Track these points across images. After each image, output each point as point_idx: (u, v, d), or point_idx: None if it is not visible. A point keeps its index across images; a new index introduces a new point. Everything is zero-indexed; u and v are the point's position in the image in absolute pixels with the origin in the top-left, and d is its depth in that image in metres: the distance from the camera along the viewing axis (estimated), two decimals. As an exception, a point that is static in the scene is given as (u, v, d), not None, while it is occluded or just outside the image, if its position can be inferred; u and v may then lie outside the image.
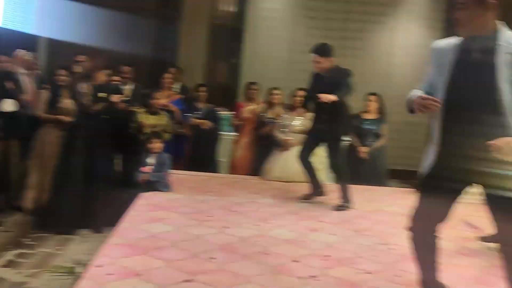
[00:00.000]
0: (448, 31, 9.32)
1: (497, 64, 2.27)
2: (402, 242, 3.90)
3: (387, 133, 6.52)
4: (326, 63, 4.87)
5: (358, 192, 5.75)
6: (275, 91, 6.45)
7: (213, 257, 3.34)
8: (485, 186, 2.38)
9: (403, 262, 3.48)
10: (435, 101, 2.34)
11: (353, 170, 6.32)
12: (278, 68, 9.02)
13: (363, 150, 6.24)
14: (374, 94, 6.73)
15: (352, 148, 6.43)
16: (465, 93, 2.36)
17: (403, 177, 7.39)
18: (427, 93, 2.47)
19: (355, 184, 6.12)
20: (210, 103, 6.98)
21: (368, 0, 9.51)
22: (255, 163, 6.54)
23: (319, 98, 4.66)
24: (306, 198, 5.16)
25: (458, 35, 2.40)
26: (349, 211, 4.89)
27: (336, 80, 4.79)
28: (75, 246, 4.54)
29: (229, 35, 9.28)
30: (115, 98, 5.57)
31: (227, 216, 4.39)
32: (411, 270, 3.34)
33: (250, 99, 6.77)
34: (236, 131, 6.92)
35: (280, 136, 6.14)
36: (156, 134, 5.32)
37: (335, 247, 3.78)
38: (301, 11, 9.43)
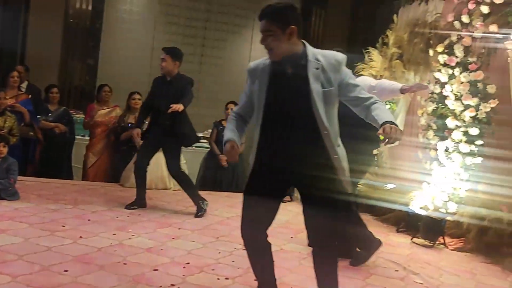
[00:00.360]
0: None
1: (308, 77, 2.53)
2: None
3: (246, 141, 6.71)
4: (171, 65, 4.88)
5: (218, 199, 5.88)
6: (135, 96, 6.27)
7: (66, 270, 3.14)
8: (302, 188, 2.70)
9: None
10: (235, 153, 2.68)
11: (213, 178, 6.46)
12: (137, 72, 8.81)
13: (223, 158, 6.34)
14: (233, 102, 6.89)
15: (211, 156, 6.53)
16: (282, 105, 2.59)
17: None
18: (247, 111, 2.76)
19: (216, 191, 6.28)
20: (64, 105, 6.58)
21: (227, 11, 9.76)
22: (113, 170, 6.31)
23: (169, 107, 4.68)
24: (130, 207, 4.95)
25: (271, 59, 2.62)
26: (208, 218, 4.95)
27: (179, 87, 4.89)
28: None
29: (85, 34, 8.84)
30: None
31: (82, 225, 4.17)
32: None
33: (103, 102, 6.51)
34: (89, 135, 6.60)
35: (140, 141, 6.00)
36: (1, 137, 4.86)
37: (195, 254, 3.79)
38: (162, 16, 9.36)
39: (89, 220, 4.35)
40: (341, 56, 2.60)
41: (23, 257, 3.27)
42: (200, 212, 4.94)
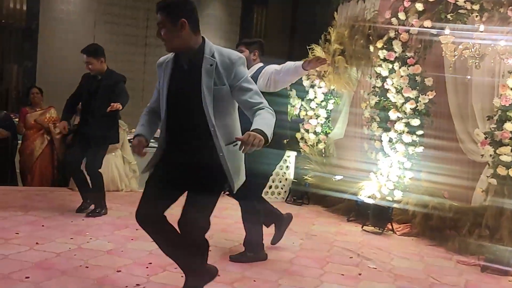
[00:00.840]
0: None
1: (201, 73, 2.60)
2: (220, 243, 4.19)
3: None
4: (97, 64, 4.80)
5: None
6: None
7: (27, 277, 3.10)
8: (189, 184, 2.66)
9: (222, 263, 3.72)
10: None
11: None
12: (77, 73, 8.53)
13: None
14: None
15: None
16: (180, 100, 2.66)
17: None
18: (158, 104, 2.78)
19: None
20: (2, 109, 6.36)
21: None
22: (60, 173, 6.19)
23: (98, 105, 4.71)
24: (80, 210, 4.92)
25: (166, 50, 2.69)
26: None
27: (109, 84, 4.82)
28: None
29: (21, 36, 8.56)
30: None
31: (37, 232, 4.09)
32: (230, 269, 3.61)
33: (34, 104, 6.34)
34: (22, 138, 6.39)
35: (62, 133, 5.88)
36: None
37: (155, 254, 3.77)
38: (101, 16, 9.21)
39: (43, 226, 4.28)
40: (236, 56, 2.64)
41: (-21, 267, 3.20)
42: (93, 213, 4.80)
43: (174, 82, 2.67)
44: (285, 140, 4.17)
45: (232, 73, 2.61)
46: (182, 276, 3.33)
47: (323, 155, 6.83)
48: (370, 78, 5.92)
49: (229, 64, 2.61)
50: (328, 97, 6.74)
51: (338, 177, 6.28)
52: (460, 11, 4.87)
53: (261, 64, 4.02)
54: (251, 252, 3.86)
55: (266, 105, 2.62)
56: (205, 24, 9.98)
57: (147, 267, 3.48)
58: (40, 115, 6.25)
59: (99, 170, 4.91)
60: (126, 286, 3.11)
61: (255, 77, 3.75)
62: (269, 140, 2.46)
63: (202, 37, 2.65)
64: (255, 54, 4.06)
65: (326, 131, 6.83)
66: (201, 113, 2.58)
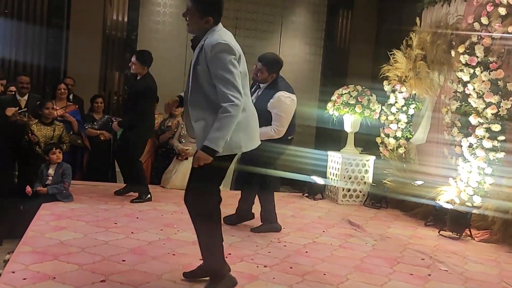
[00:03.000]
0: (326, 47, 10.34)
1: (199, 60, 2.94)
2: (294, 240, 4.47)
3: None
4: (139, 68, 5.49)
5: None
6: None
7: (123, 260, 3.57)
8: None
9: (295, 257, 3.99)
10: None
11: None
12: (172, 81, 9.24)
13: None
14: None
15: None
16: (189, 84, 3.04)
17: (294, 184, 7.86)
18: None
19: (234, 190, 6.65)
20: (105, 114, 7.08)
21: (255, 18, 10.15)
22: (154, 172, 6.76)
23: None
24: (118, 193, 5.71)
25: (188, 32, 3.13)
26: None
27: (141, 85, 5.54)
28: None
29: (122, 46, 9.36)
30: (9, 111, 5.53)
31: (132, 223, 4.60)
32: (302, 263, 3.87)
33: None
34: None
35: (178, 145, 6.45)
36: (56, 145, 5.35)
37: (234, 246, 4.16)
38: (194, 25, 9.79)
39: (137, 218, 4.79)
40: (213, 43, 2.88)
41: (85, 249, 3.71)
42: (137, 199, 5.44)
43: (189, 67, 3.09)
44: (289, 137, 4.71)
45: (207, 58, 2.88)
46: (257, 266, 3.68)
47: (403, 160, 6.87)
48: (452, 83, 5.92)
49: (206, 49, 2.89)
50: (409, 102, 6.78)
51: (419, 182, 6.31)
52: (544, 15, 4.79)
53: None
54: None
55: (223, 108, 2.86)
56: (291, 31, 10.31)
57: (226, 257, 3.80)
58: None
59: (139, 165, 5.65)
60: (207, 272, 3.47)
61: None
62: (218, 149, 2.86)
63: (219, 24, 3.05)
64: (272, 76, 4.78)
65: (406, 136, 6.88)
66: (202, 98, 2.98)
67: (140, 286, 3.14)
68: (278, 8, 10.25)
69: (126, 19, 9.34)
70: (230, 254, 3.90)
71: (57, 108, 6.29)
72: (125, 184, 5.79)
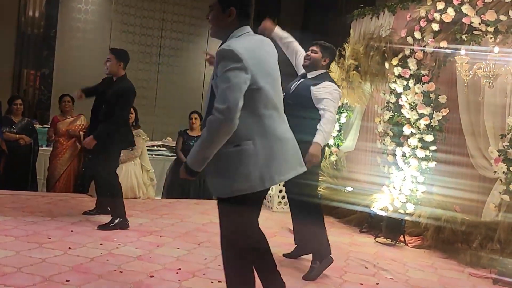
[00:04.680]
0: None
1: (214, 72, 2.46)
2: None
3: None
4: (114, 64, 4.80)
5: (189, 206, 6.09)
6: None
7: (67, 280, 3.27)
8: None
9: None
10: None
11: (181, 185, 6.65)
12: (93, 81, 8.71)
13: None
14: (196, 112, 7.08)
15: (178, 164, 6.69)
16: (206, 100, 2.58)
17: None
18: None
19: (184, 199, 6.48)
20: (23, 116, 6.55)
21: (182, 20, 9.95)
22: (80, 180, 6.36)
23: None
24: (86, 213, 5.13)
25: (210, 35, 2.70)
26: (185, 225, 5.14)
27: (119, 89, 4.78)
28: None
29: (39, 43, 8.76)
30: None
31: (67, 237, 4.25)
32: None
33: (65, 112, 6.56)
34: (53, 145, 6.59)
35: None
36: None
37: (183, 260, 3.98)
38: (117, 25, 9.42)
39: (72, 231, 4.44)
40: (218, 50, 2.42)
41: (21, 269, 3.36)
42: (109, 226, 4.66)
43: None
44: None
45: (217, 68, 2.42)
46: (212, 282, 3.54)
47: (335, 168, 7.00)
48: (384, 93, 6.11)
49: (216, 58, 2.42)
50: (341, 111, 6.92)
51: (349, 189, 6.45)
52: (475, 32, 5.06)
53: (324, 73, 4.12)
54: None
55: (209, 118, 2.36)
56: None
57: (177, 272, 3.65)
58: (70, 123, 6.45)
59: (116, 178, 4.87)
60: (161, 291, 3.28)
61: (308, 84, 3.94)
62: (191, 166, 2.39)
63: (245, 27, 2.55)
64: (325, 61, 4.16)
65: (338, 144, 7.02)
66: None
67: (93, 310, 2.89)
68: (204, 11, 10.05)
69: (43, 15, 8.76)
70: (180, 269, 3.73)
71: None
72: (96, 203, 5.21)
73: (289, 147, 2.58)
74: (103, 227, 4.64)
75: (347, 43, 6.71)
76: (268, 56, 2.58)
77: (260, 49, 2.52)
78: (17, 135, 6.19)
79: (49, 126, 6.80)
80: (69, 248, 3.94)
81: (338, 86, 6.50)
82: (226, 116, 2.29)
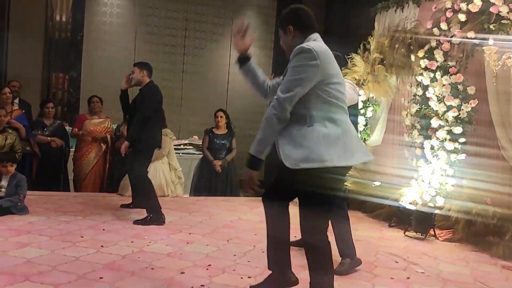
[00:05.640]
0: (277, 50, 10.31)
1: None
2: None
3: (236, 147, 6.96)
4: (138, 74, 5.09)
5: (217, 204, 6.13)
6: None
7: (101, 277, 3.33)
8: None
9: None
10: None
11: (208, 183, 6.69)
12: (120, 82, 8.86)
13: (217, 164, 6.58)
14: (221, 110, 7.10)
15: (205, 162, 6.75)
16: None
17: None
18: None
19: (211, 196, 6.52)
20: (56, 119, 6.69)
21: (205, 20, 9.99)
22: (110, 180, 6.47)
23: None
24: (123, 206, 5.50)
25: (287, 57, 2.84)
26: (213, 222, 5.18)
27: (144, 95, 5.05)
28: None
29: (67, 48, 8.91)
30: None
31: (99, 235, 4.33)
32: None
33: (93, 112, 6.66)
34: (76, 146, 6.68)
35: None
36: (8, 158, 4.93)
37: (212, 256, 4.02)
38: (142, 27, 9.51)
39: (103, 229, 4.52)
40: (298, 47, 2.65)
41: (56, 267, 3.43)
42: (142, 221, 4.87)
43: None
44: None
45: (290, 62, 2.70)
46: (241, 278, 3.56)
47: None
48: (411, 86, 6.04)
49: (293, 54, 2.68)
50: (367, 105, 6.87)
51: (377, 183, 6.40)
52: (503, 21, 4.97)
53: None
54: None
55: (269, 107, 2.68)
56: (241, 33, 10.19)
57: (207, 269, 3.68)
58: (98, 124, 6.56)
59: (147, 176, 5.08)
60: (192, 287, 3.30)
61: None
62: (252, 152, 2.67)
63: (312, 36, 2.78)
64: None
65: (364, 138, 6.96)
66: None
67: (127, 306, 2.94)
68: (227, 10, 10.15)
69: (70, 20, 8.91)
70: (210, 265, 3.76)
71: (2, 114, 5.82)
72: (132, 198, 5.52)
73: (352, 140, 2.72)
74: (138, 222, 4.83)
75: (371, 36, 6.66)
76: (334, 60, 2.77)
77: (330, 52, 2.72)
78: (49, 138, 6.31)
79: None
80: (102, 246, 4.01)
81: (364, 80, 6.58)
82: (281, 105, 2.61)
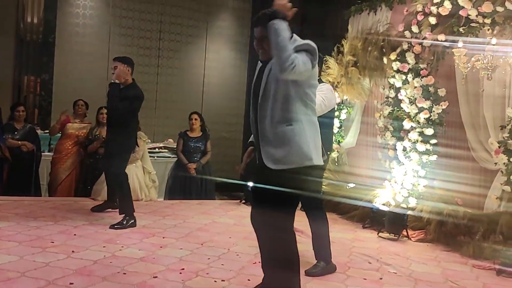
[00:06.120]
0: (252, 52, 10.32)
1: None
2: (244, 250, 4.36)
3: (211, 150, 6.93)
4: (122, 69, 4.91)
5: (191, 207, 6.10)
6: (103, 110, 6.33)
7: (71, 283, 3.27)
8: None
9: (250, 268, 3.89)
10: None
11: (183, 186, 6.65)
12: (93, 85, 8.78)
13: (191, 167, 6.55)
14: (196, 112, 7.08)
15: (179, 166, 6.71)
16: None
17: (227, 189, 7.86)
18: None
19: (186, 199, 6.49)
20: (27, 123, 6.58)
21: (180, 22, 9.94)
22: (82, 184, 6.38)
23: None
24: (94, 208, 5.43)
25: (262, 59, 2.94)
26: (187, 225, 5.16)
27: (127, 96, 4.89)
28: None
29: (38, 50, 8.77)
30: None
31: (70, 240, 4.26)
32: (259, 274, 3.77)
33: (77, 115, 6.59)
34: (55, 149, 6.59)
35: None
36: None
37: (186, 260, 3.98)
38: (116, 28, 9.41)
39: (75, 234, 4.45)
40: (309, 41, 2.78)
41: (25, 273, 3.36)
42: (118, 224, 4.85)
43: None
44: None
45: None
46: (215, 281, 3.55)
47: (336, 164, 7.01)
48: (384, 88, 6.11)
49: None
50: (341, 107, 6.93)
51: (351, 185, 6.45)
52: (472, 24, 5.06)
53: None
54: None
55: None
56: (216, 35, 10.22)
57: (180, 273, 3.65)
58: (78, 129, 6.47)
59: (125, 174, 5.07)
60: (165, 291, 3.29)
61: None
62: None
63: None
64: None
65: (338, 140, 7.02)
66: None
67: (97, 311, 2.90)
68: (202, 13, 10.12)
69: (42, 21, 8.77)
70: (183, 269, 3.74)
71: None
72: (105, 200, 5.51)
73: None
74: (115, 226, 4.80)
75: (345, 39, 6.73)
76: None
77: None
78: (19, 142, 6.20)
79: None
80: (73, 251, 3.94)
81: (337, 82, 6.63)
82: (295, 65, 2.59)
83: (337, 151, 7.00)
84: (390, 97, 5.93)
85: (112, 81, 4.94)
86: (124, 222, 4.87)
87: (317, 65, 2.85)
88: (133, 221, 4.91)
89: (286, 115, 2.77)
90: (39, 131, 7.23)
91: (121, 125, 4.94)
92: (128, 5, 9.47)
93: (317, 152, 2.84)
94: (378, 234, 5.45)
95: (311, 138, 2.81)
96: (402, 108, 5.73)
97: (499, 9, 4.70)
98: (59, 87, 8.79)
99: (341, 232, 5.46)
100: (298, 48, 2.69)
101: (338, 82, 6.66)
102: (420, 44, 5.57)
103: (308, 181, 2.79)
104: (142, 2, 9.59)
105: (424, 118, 5.49)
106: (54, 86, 8.85)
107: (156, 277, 3.53)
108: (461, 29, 5.16)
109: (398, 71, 5.74)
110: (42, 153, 6.76)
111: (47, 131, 7.11)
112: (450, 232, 5.11)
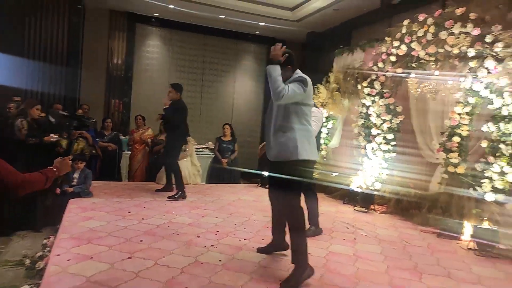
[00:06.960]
0: (267, 85, 10.23)
1: None
2: (260, 219, 4.35)
3: (238, 149, 6.94)
4: (174, 94, 5.07)
5: (224, 189, 6.09)
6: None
7: (141, 240, 3.32)
8: None
9: (263, 231, 3.88)
10: None
11: (218, 175, 6.65)
12: (158, 105, 8.80)
13: (224, 161, 6.56)
14: (227, 124, 7.08)
15: (216, 160, 6.73)
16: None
17: (249, 176, 7.82)
18: None
19: (221, 183, 6.49)
20: (113, 131, 6.68)
21: (217, 61, 9.97)
22: (150, 172, 6.44)
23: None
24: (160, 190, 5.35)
25: None
26: (221, 201, 5.16)
27: (174, 108, 5.02)
28: (16, 244, 4.03)
29: (122, 81, 8.91)
30: (47, 138, 4.93)
31: (141, 211, 4.31)
32: (269, 235, 3.77)
33: (138, 126, 6.66)
34: (130, 150, 6.68)
35: None
36: (79, 156, 4.94)
37: (219, 225, 4.00)
38: (174, 66, 9.50)
39: (144, 207, 4.50)
40: (301, 75, 2.79)
41: (110, 233, 3.43)
42: (173, 197, 4.95)
43: None
44: None
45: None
46: (239, 240, 3.54)
47: (324, 159, 6.95)
48: (358, 106, 6.04)
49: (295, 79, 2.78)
50: (328, 120, 6.87)
51: (335, 174, 6.37)
52: (421, 61, 4.97)
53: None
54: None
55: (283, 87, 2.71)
56: (242, 70, 10.22)
57: (215, 234, 3.67)
58: (142, 133, 6.53)
59: (177, 163, 5.16)
60: (205, 246, 3.30)
61: None
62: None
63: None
64: None
65: (326, 142, 6.96)
66: None
67: (158, 260, 2.93)
68: (232, 55, 10.13)
69: (124, 62, 8.90)
70: (218, 231, 3.75)
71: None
72: (165, 184, 5.47)
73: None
74: (170, 197, 4.92)
75: (331, 72, 6.68)
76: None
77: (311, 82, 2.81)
78: (106, 144, 6.29)
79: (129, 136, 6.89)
80: (142, 219, 3.99)
81: (326, 102, 6.57)
82: (284, 94, 2.61)
83: (325, 150, 6.93)
84: (363, 112, 5.85)
85: (165, 106, 5.07)
86: (177, 195, 4.96)
87: (312, 89, 2.80)
88: (184, 195, 4.99)
89: (283, 125, 2.76)
90: (121, 137, 7.34)
91: (173, 130, 5.04)
92: (181, 50, 9.55)
93: (307, 150, 2.74)
94: (353, 208, 5.38)
95: (300, 141, 2.71)
96: (371, 120, 5.65)
97: (440, 50, 4.60)
98: (135, 107, 8.90)
99: (327, 207, 5.41)
100: (293, 80, 2.69)
101: (326, 102, 6.61)
102: (384, 75, 5.49)
103: (297, 170, 2.72)
104: (191, 48, 9.66)
105: (386, 127, 5.41)
106: (132, 106, 8.96)
107: (199, 236, 3.55)
108: (413, 65, 5.07)
109: (368, 94, 5.67)
110: (123, 152, 6.86)
111: (127, 136, 7.20)
112: (405, 206, 5.01)
